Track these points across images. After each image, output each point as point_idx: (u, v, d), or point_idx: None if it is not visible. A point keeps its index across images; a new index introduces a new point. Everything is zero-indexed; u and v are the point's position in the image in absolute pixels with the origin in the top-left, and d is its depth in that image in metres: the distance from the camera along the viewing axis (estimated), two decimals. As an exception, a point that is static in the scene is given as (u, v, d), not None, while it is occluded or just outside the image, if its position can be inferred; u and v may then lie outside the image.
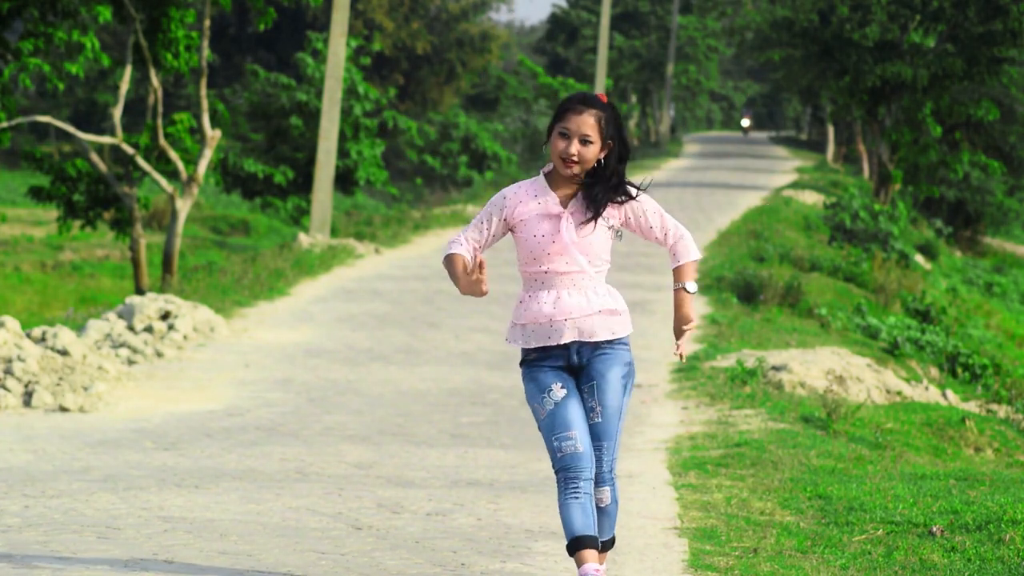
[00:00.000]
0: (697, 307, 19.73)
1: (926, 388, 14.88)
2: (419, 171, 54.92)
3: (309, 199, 35.03)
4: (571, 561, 7.10)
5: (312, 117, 37.80)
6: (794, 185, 46.22)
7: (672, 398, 13.04)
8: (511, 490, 8.91)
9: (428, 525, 7.89)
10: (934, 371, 18.56)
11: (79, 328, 15.07)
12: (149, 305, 15.50)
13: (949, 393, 15.12)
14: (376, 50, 45.72)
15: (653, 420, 11.94)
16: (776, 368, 13.75)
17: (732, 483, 9.21)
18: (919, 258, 34.87)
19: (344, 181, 38.60)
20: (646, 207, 6.12)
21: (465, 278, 6.04)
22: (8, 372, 12.13)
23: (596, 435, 6.11)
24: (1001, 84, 44.11)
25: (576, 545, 5.99)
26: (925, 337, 19.46)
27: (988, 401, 15.94)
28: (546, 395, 6.07)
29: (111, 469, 9.38)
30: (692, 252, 6.17)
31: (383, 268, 23.32)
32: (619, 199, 6.10)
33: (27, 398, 11.92)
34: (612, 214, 6.10)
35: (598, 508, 6.19)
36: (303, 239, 25.86)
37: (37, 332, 13.16)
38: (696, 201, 39.90)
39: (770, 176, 52.11)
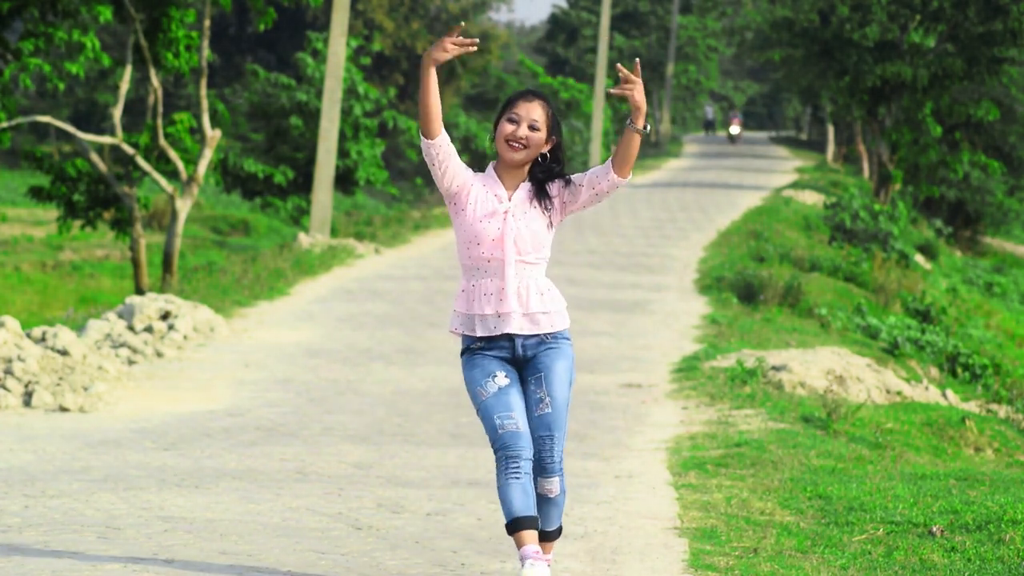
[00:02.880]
0: (697, 306, 19.72)
1: (926, 388, 14.87)
2: (419, 171, 54.88)
3: (309, 199, 35.01)
4: (572, 560, 7.10)
5: (312, 117, 37.76)
6: (794, 185, 46.19)
7: (672, 398, 13.03)
8: (511, 490, 8.91)
9: (428, 525, 7.89)
10: (934, 371, 18.55)
11: (79, 328, 15.07)
12: (149, 305, 15.49)
13: (949, 393, 15.10)
14: (376, 50, 45.70)
15: (653, 420, 11.93)
16: (776, 368, 13.74)
17: (732, 483, 9.21)
18: (919, 258, 34.84)
19: (344, 181, 38.56)
20: (574, 179, 6.26)
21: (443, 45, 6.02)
22: (8, 372, 12.12)
23: (546, 425, 6.19)
24: (1001, 84, 44.10)
25: (516, 526, 6.05)
26: (925, 337, 19.45)
27: (988, 401, 15.92)
28: (490, 379, 6.16)
29: (111, 469, 9.38)
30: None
31: (383, 268, 23.31)
32: (556, 182, 6.23)
33: (27, 398, 11.92)
34: (551, 202, 6.23)
35: (548, 499, 6.26)
36: (303, 239, 25.86)
37: (37, 332, 13.16)
38: (696, 201, 39.90)
39: (770, 176, 52.08)
